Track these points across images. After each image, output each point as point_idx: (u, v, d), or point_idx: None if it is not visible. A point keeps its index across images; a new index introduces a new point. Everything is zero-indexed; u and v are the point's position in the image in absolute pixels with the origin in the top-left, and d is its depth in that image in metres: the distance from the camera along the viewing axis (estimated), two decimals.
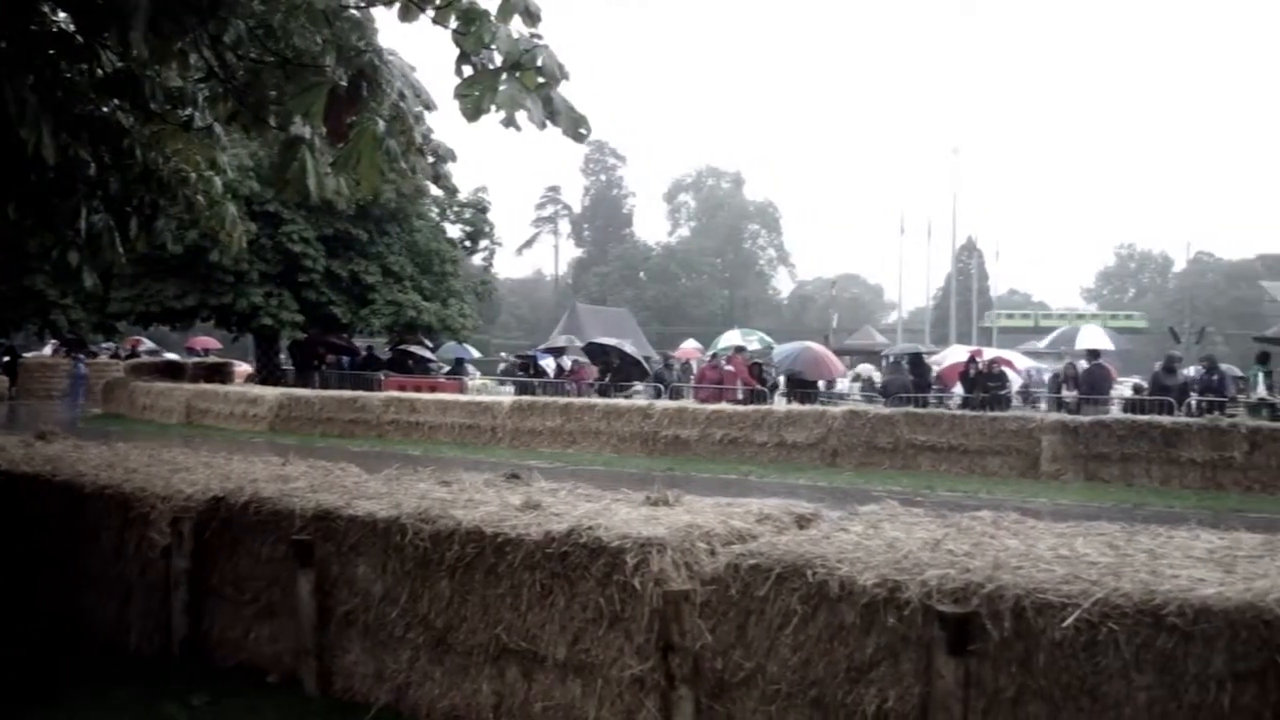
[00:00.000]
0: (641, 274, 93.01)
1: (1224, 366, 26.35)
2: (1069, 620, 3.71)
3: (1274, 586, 3.64)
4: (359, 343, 32.64)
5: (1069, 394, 19.60)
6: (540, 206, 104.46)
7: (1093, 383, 19.48)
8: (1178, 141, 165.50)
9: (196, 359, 35.07)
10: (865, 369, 32.02)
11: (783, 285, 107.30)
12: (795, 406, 19.11)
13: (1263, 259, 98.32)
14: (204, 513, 6.27)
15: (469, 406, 21.50)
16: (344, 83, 5.08)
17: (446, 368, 32.24)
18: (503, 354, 41.37)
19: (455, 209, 35.00)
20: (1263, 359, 18.88)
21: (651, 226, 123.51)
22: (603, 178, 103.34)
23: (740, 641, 4.41)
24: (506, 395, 24.52)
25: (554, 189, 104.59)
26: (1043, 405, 22.03)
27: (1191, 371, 22.75)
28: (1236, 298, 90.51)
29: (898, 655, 4.05)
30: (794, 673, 4.28)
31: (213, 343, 45.43)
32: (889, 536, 4.70)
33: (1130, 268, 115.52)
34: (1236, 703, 3.54)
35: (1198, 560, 4.20)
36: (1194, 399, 19.22)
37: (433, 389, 25.53)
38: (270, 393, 24.15)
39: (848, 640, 4.15)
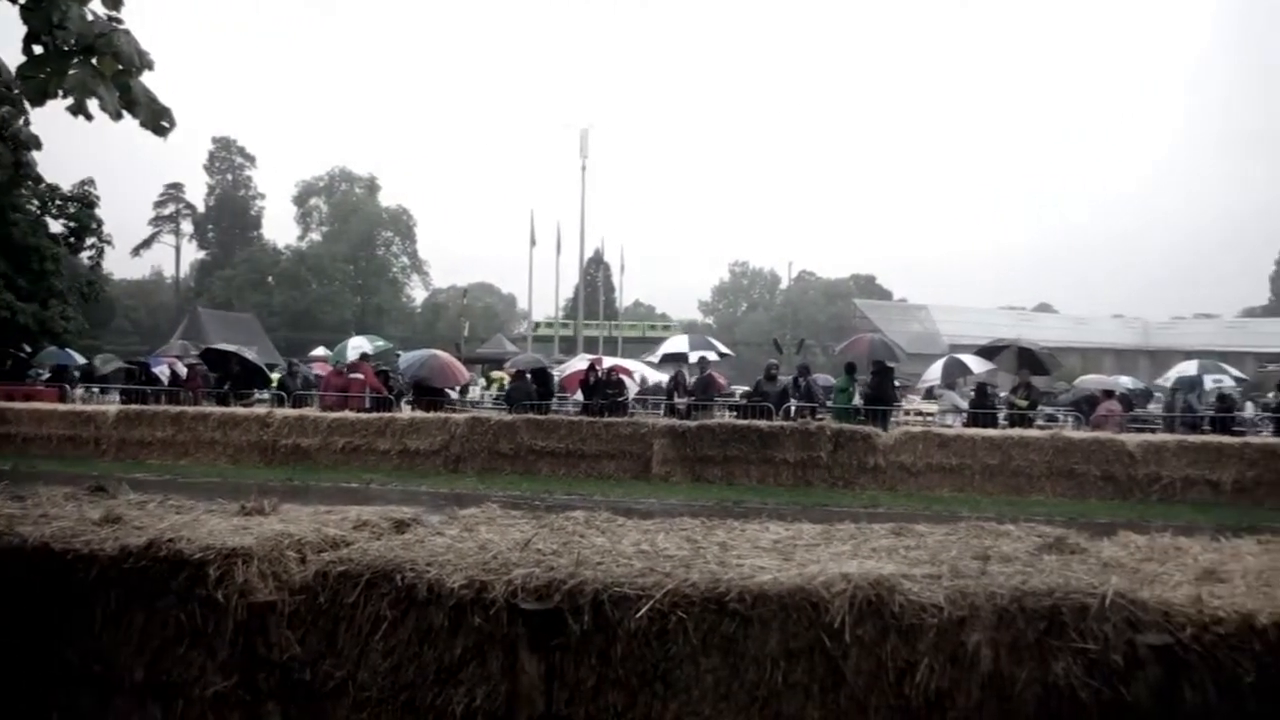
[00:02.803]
0: (270, 279, 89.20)
1: (819, 376, 28.77)
2: (642, 611, 3.91)
3: (822, 571, 3.98)
4: None
5: (680, 400, 20.69)
6: (160, 205, 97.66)
7: (702, 390, 20.68)
8: (786, 166, 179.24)
9: None
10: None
11: (417, 293, 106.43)
12: (419, 414, 19.05)
13: (855, 278, 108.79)
14: None
15: (69, 416, 19.82)
16: None
17: (46, 374, 29.48)
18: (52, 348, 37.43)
19: (58, 202, 32.23)
20: (850, 369, 20.64)
21: (281, 230, 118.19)
22: (229, 177, 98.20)
23: (330, 650, 4.32)
24: (112, 405, 22.79)
25: (175, 186, 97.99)
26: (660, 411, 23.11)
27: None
28: (834, 313, 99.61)
29: (485, 654, 4.12)
30: (385, 678, 4.25)
31: None
32: (483, 538, 4.76)
33: (743, 283, 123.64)
34: (789, 679, 3.85)
35: (763, 550, 4.54)
36: (792, 404, 20.81)
37: (27, 397, 23.27)
38: None
39: (437, 643, 4.17)
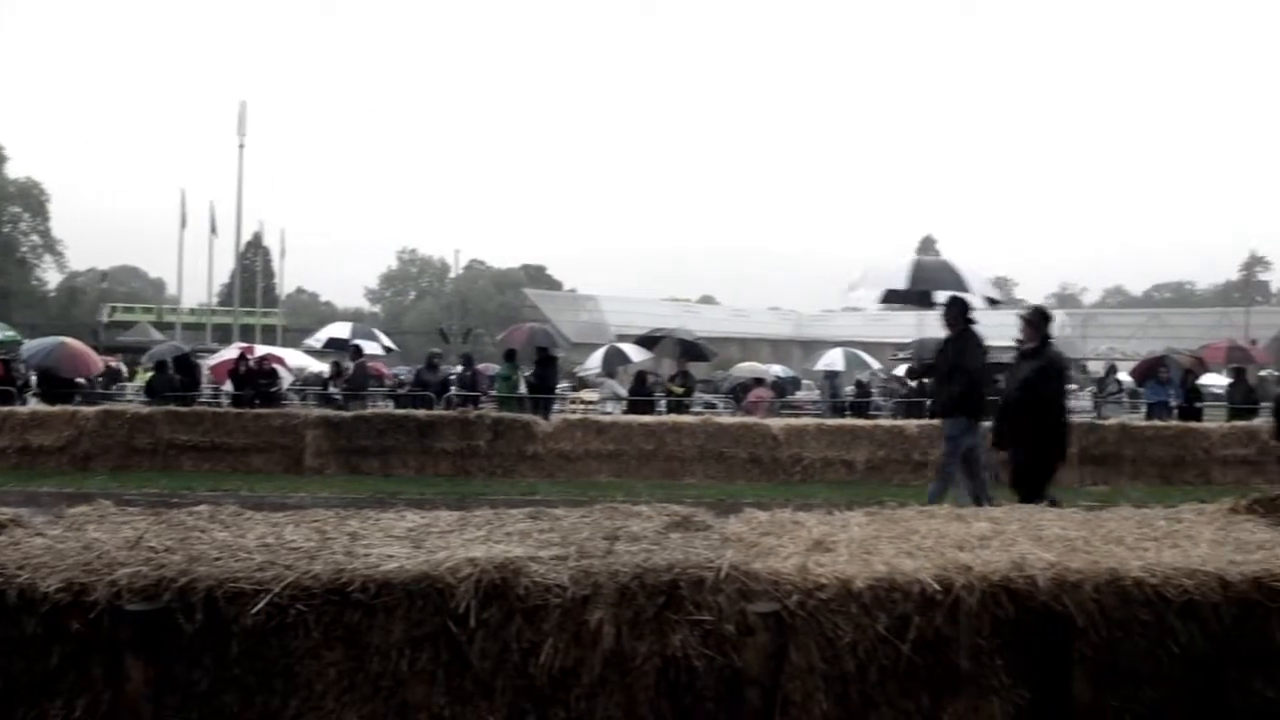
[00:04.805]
0: None
1: (486, 365, 28.91)
2: (259, 606, 3.74)
3: (450, 557, 3.95)
4: None
5: (335, 390, 20.20)
6: None
7: (356, 380, 20.24)
8: (455, 154, 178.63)
9: None
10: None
11: (50, 276, 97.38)
12: (43, 407, 17.51)
13: (526, 268, 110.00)
14: None
15: None
16: None
17: None
18: None
19: None
20: (510, 356, 20.75)
21: None
22: None
23: None
24: None
25: None
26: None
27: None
28: (503, 302, 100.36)
29: (86, 662, 3.82)
30: None
31: None
32: (89, 538, 4.41)
33: (412, 271, 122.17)
34: (414, 666, 3.82)
35: (395, 539, 4.45)
36: (454, 393, 20.74)
37: None
38: None
39: (29, 653, 3.81)
